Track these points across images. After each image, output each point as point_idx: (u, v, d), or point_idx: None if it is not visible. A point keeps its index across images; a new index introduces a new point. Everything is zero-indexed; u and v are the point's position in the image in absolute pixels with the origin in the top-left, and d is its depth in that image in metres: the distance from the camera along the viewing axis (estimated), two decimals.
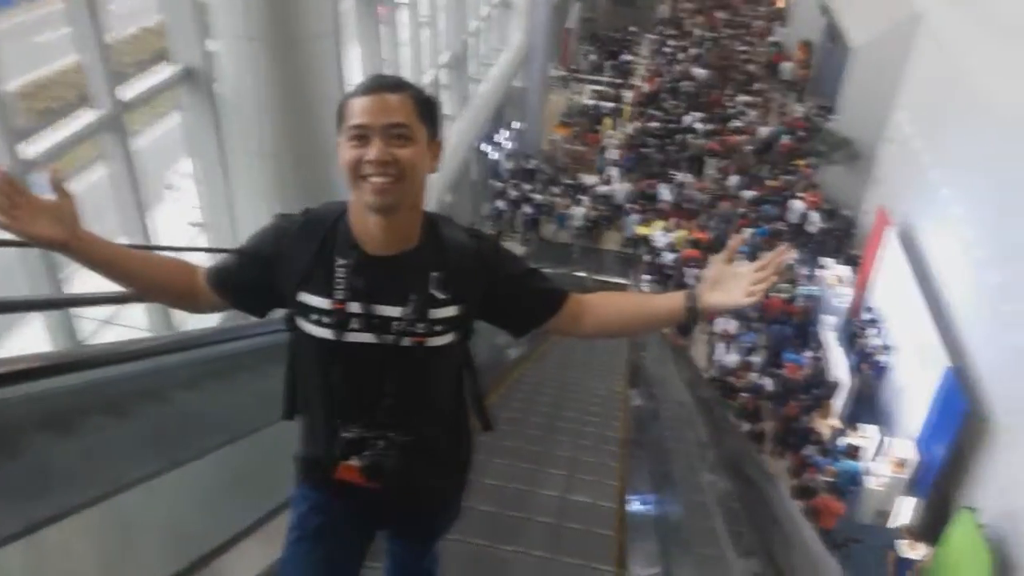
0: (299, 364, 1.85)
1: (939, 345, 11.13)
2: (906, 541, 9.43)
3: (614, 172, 19.61)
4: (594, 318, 1.87)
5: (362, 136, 1.62)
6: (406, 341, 1.71)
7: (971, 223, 11.59)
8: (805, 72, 25.56)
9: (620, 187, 18.30)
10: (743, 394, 11.99)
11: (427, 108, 1.69)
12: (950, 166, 12.80)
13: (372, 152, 1.60)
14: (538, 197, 18.17)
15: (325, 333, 1.71)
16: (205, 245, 7.27)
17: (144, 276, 1.79)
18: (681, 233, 16.65)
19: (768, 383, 12.46)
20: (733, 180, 19.00)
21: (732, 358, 12.83)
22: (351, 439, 1.74)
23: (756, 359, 13.14)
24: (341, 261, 1.69)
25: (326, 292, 1.70)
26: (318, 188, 6.28)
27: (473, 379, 1.94)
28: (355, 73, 10.49)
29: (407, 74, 12.14)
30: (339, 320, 1.69)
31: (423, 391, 1.81)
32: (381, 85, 1.66)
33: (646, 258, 16.24)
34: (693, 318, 1.77)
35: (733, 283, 1.71)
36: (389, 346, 1.71)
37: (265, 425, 3.20)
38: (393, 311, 1.70)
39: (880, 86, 16.36)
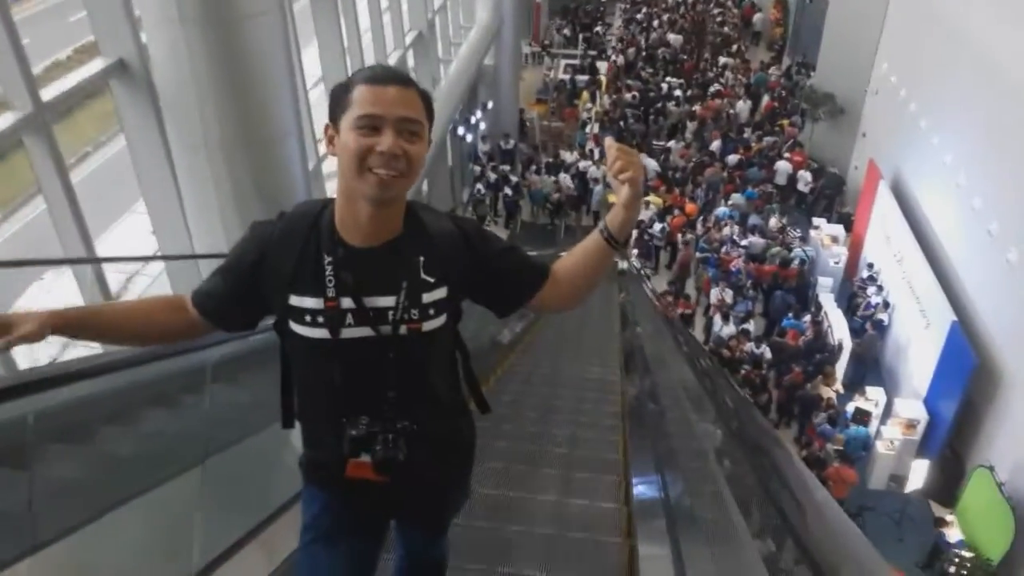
0: (295, 368, 1.83)
1: (942, 299, 10.77)
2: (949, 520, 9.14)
3: (596, 152, 19.07)
4: (566, 282, 1.84)
5: (372, 126, 1.60)
6: (403, 329, 1.71)
7: (965, 170, 11.20)
8: (780, 30, 25.12)
9: (595, 169, 17.69)
10: (744, 367, 11.57)
11: (429, 106, 1.69)
12: (939, 113, 12.41)
13: (384, 144, 1.59)
14: (515, 179, 17.65)
15: (320, 333, 1.70)
16: (159, 252, 6.80)
17: (134, 327, 1.78)
18: (656, 199, 16.18)
19: (767, 352, 12.04)
20: (715, 144, 18.51)
21: (729, 329, 12.40)
22: (359, 436, 1.73)
23: (751, 328, 12.70)
24: (328, 258, 1.68)
25: (317, 291, 1.69)
26: (270, 176, 5.79)
27: (466, 360, 1.94)
28: (315, 62, 10.03)
29: (370, 58, 11.62)
30: (333, 317, 1.68)
31: (423, 379, 1.81)
32: (392, 77, 1.64)
33: (633, 232, 15.70)
34: (612, 238, 1.74)
35: (618, 192, 1.70)
36: (387, 337, 1.70)
37: (240, 438, 3.12)
38: (386, 301, 1.70)
39: (861, 38, 15.98)
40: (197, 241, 6.14)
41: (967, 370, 9.94)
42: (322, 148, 8.99)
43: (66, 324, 1.62)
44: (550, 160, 18.80)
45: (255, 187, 5.75)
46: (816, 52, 18.95)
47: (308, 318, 1.70)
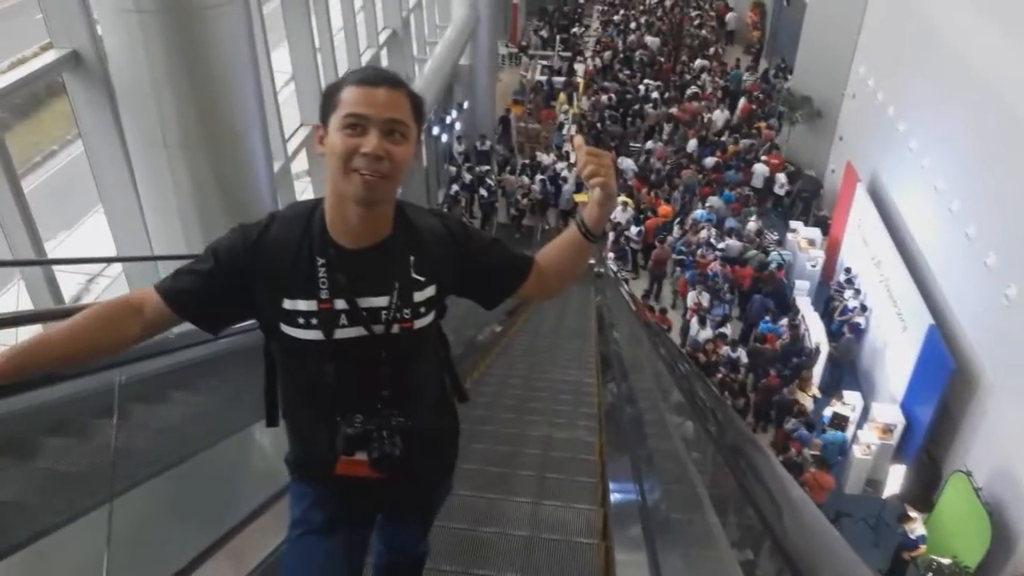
0: (285, 368, 1.82)
1: (919, 302, 10.70)
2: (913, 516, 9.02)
3: (572, 155, 18.86)
4: (550, 272, 1.90)
5: (358, 126, 1.59)
6: (395, 328, 1.73)
7: (943, 173, 11.14)
8: (759, 33, 25.13)
9: (567, 169, 17.55)
10: (721, 369, 11.46)
11: (419, 107, 1.69)
12: (917, 117, 12.36)
13: (369, 145, 1.58)
14: (490, 181, 17.46)
15: (314, 335, 1.70)
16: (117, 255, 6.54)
17: (87, 346, 1.68)
18: (630, 202, 16.06)
19: (743, 355, 11.93)
20: (691, 145, 18.43)
21: (706, 333, 12.28)
22: (355, 435, 1.74)
23: (728, 331, 12.60)
24: (321, 260, 1.68)
25: (309, 294, 1.69)
26: (232, 174, 5.57)
27: (446, 352, 1.99)
28: (286, 63, 9.78)
29: (342, 57, 11.41)
30: (327, 319, 1.69)
31: (413, 375, 1.83)
32: (382, 78, 1.64)
33: (611, 235, 15.54)
34: (589, 233, 1.80)
35: (591, 192, 1.75)
36: (380, 336, 1.72)
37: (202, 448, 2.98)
38: (379, 301, 1.71)
39: (838, 41, 15.94)
40: (156, 241, 5.90)
41: (944, 374, 9.87)
42: (291, 147, 8.76)
43: (21, 368, 1.57)
44: (526, 162, 18.62)
45: (216, 185, 5.53)
46: (794, 55, 18.93)
47: (301, 320, 1.69)
